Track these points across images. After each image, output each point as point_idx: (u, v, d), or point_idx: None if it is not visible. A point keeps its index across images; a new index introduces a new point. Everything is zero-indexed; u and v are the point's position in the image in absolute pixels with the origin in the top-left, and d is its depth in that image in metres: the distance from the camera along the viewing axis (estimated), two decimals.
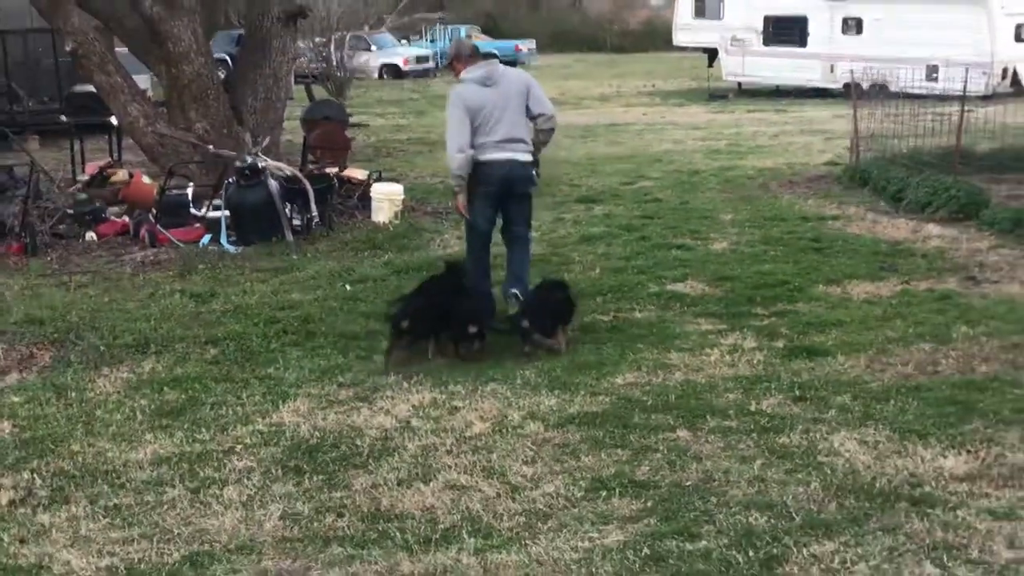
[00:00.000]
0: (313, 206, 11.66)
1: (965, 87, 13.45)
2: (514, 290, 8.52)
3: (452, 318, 7.65)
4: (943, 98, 16.87)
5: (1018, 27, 26.41)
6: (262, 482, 5.64)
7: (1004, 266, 9.89)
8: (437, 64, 44.98)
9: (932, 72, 23.78)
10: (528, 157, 8.48)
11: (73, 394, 7.06)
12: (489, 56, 8.97)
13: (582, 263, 10.37)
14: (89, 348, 7.93)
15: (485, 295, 8.34)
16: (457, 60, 8.65)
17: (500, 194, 8.49)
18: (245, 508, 5.36)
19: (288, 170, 12.03)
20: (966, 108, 13.45)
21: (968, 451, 5.75)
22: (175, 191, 12.23)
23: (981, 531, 4.91)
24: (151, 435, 6.33)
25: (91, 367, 7.56)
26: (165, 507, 5.40)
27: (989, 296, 8.90)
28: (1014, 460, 5.63)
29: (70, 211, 12.16)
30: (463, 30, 49.12)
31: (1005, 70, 25.62)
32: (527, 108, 8.41)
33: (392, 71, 41.84)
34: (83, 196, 12.60)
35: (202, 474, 5.77)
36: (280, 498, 5.46)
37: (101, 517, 5.32)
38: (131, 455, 6.05)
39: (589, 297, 9.09)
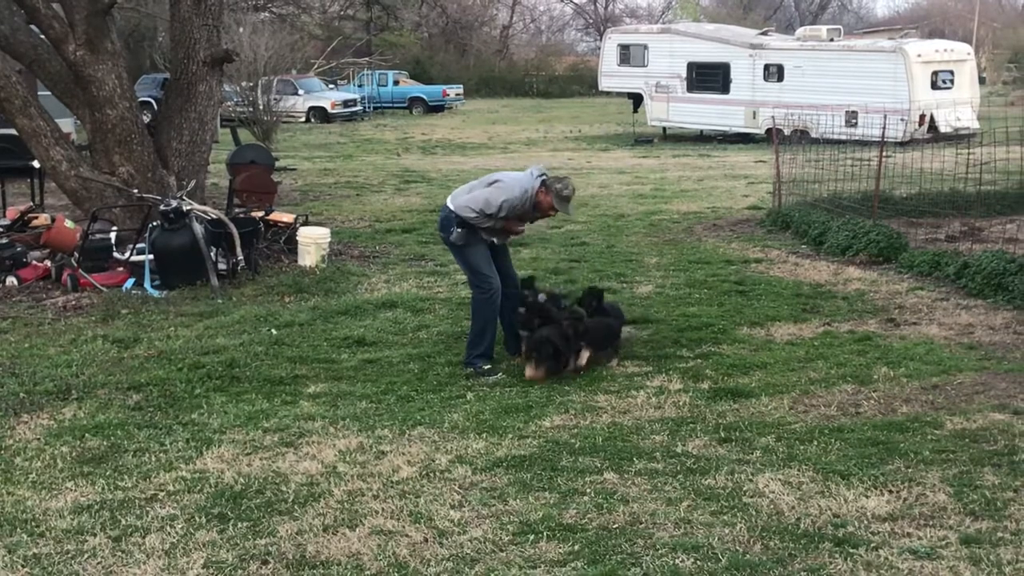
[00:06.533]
0: (239, 250, 11.57)
1: (884, 133, 13.75)
2: None
3: None
4: (862, 143, 17.27)
5: (934, 75, 27.09)
6: (185, 530, 5.56)
7: (923, 308, 10.08)
8: (365, 108, 45.06)
9: (851, 118, 24.37)
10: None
11: None
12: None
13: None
14: (9, 395, 7.78)
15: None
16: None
17: None
18: (168, 556, 5.28)
19: (213, 213, 11.94)
20: (885, 154, 13.74)
21: (890, 491, 5.84)
22: (98, 235, 12.07)
23: (903, 571, 4.98)
24: (72, 483, 6.22)
25: (11, 414, 7.41)
26: (86, 556, 5.30)
27: (908, 338, 9.07)
28: (935, 500, 5.72)
29: None
30: (391, 75, 49.32)
31: (922, 116, 26.25)
32: None
33: (319, 114, 41.81)
34: (4, 240, 12.41)
35: (124, 522, 5.67)
36: (204, 546, 5.38)
37: (20, 567, 5.20)
38: (51, 503, 5.93)
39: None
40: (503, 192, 8.38)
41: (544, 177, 8.47)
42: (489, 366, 8.38)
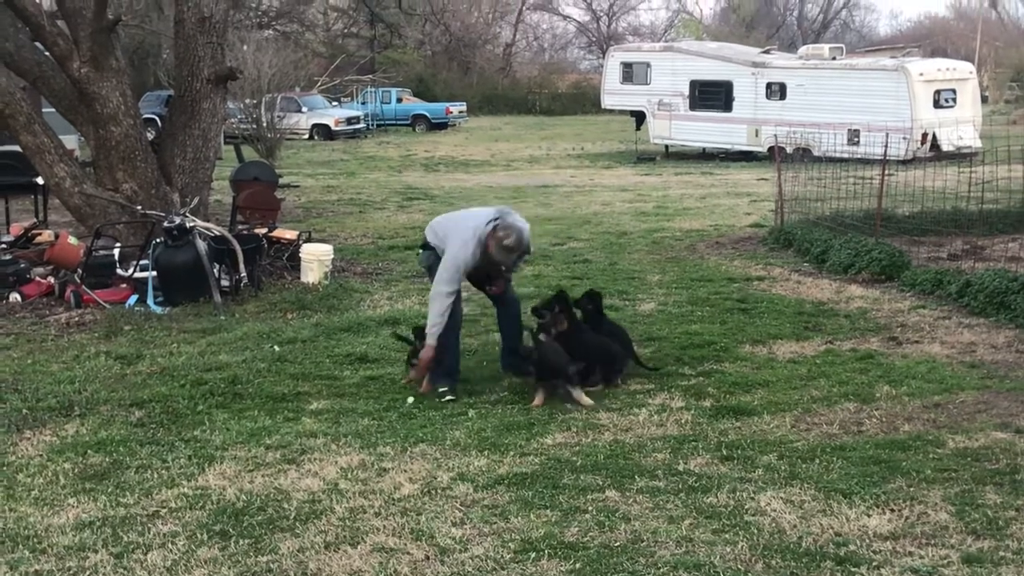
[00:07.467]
0: (242, 266, 11.59)
1: (886, 151, 13.76)
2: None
3: None
4: (864, 162, 17.28)
5: (937, 93, 27.13)
6: (187, 547, 5.56)
7: (925, 326, 10.08)
8: (368, 125, 45.14)
9: (854, 137, 24.39)
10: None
11: None
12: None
13: None
14: (11, 411, 7.79)
15: None
16: None
17: None
18: (169, 573, 5.27)
19: (217, 230, 11.97)
20: (887, 172, 13.75)
21: (892, 510, 5.83)
22: (102, 252, 12.10)
23: None
24: (74, 499, 6.22)
25: (13, 430, 7.42)
26: (87, 573, 5.29)
27: (911, 356, 9.07)
28: (937, 519, 5.71)
29: None
30: (394, 92, 49.41)
31: (924, 135, 26.28)
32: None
33: (323, 132, 41.87)
34: (8, 257, 12.43)
35: (126, 539, 5.67)
36: (205, 563, 5.38)
37: None
38: (53, 520, 5.93)
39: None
40: (449, 260, 8.01)
41: (497, 223, 7.96)
42: (445, 388, 8.15)
